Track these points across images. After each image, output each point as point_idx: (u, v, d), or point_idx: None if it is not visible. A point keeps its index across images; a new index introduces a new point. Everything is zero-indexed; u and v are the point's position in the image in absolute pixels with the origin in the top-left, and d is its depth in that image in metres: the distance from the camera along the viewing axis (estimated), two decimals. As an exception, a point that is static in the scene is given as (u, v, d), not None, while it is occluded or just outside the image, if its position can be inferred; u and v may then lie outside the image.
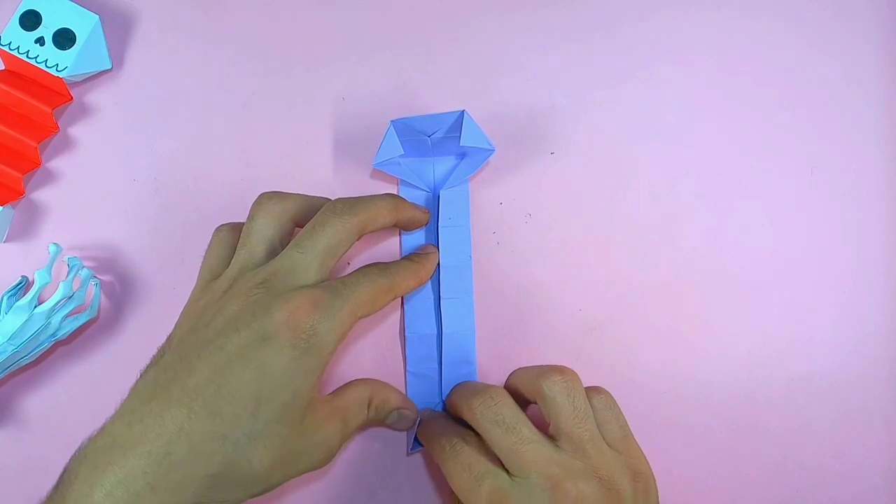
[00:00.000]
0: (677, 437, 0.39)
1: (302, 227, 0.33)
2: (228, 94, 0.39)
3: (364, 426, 0.35)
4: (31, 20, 0.37)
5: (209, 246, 0.34)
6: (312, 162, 0.39)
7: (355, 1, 0.40)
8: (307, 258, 0.31)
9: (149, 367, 0.30)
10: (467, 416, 0.33)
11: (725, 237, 0.40)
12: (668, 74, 0.40)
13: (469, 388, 0.35)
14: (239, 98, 0.39)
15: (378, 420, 0.35)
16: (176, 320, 0.33)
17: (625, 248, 0.39)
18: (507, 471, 0.32)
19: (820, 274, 0.40)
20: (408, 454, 0.38)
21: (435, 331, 0.38)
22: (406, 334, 0.38)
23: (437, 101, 0.39)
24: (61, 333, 0.36)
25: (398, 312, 0.39)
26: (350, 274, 0.32)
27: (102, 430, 0.29)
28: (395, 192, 0.39)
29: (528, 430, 0.32)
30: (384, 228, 0.34)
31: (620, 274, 0.39)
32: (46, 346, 0.36)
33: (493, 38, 0.40)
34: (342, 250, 0.32)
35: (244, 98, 0.39)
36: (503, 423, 0.32)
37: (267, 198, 0.33)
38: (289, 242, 0.32)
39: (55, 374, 0.38)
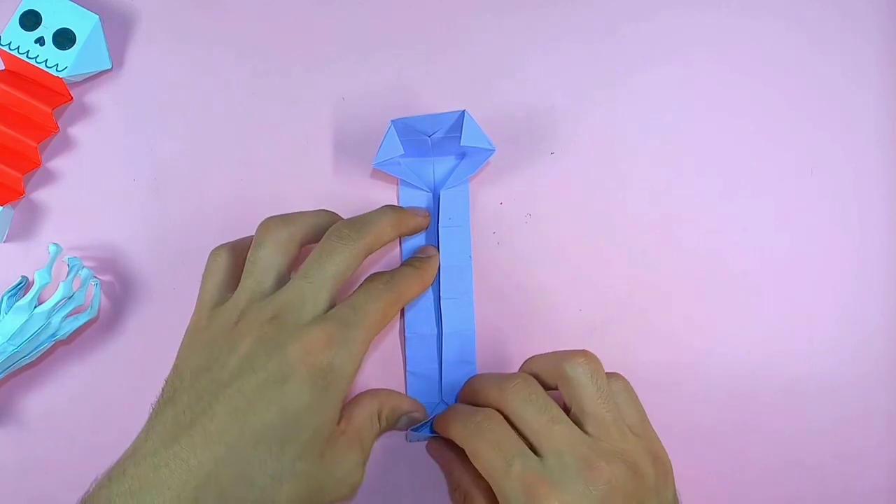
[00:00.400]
0: (677, 437, 0.39)
1: (309, 245, 0.33)
2: (228, 94, 0.39)
3: (377, 438, 0.35)
4: (31, 20, 0.37)
5: (207, 270, 0.34)
6: (312, 162, 0.39)
7: (355, 1, 0.40)
8: (315, 288, 0.31)
9: (163, 403, 0.30)
10: (496, 397, 0.33)
11: (725, 237, 0.40)
12: (667, 74, 0.40)
13: (494, 375, 0.35)
14: (239, 98, 0.39)
15: (389, 428, 0.35)
16: (176, 320, 0.33)
17: (625, 249, 0.39)
18: (534, 452, 0.31)
19: (820, 274, 0.40)
20: (408, 441, 0.38)
21: (435, 331, 0.38)
22: (406, 334, 0.38)
23: (437, 102, 0.39)
24: (61, 333, 0.36)
25: (399, 312, 0.39)
26: (355, 294, 0.32)
27: (124, 472, 0.28)
28: (395, 192, 0.39)
29: (558, 411, 0.32)
30: (389, 243, 0.34)
31: (620, 274, 0.39)
32: (46, 346, 0.36)
33: (493, 38, 0.40)
34: (350, 274, 0.32)
35: (244, 98, 0.39)
36: (536, 402, 0.32)
37: (273, 224, 0.33)
38: (296, 266, 0.32)
39: (55, 374, 0.38)
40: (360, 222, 0.33)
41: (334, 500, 0.31)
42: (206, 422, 0.28)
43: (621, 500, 0.30)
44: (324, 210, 0.34)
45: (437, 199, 0.38)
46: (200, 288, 0.34)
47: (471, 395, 0.36)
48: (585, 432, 0.32)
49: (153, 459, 0.28)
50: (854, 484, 0.40)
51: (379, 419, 0.34)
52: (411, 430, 0.37)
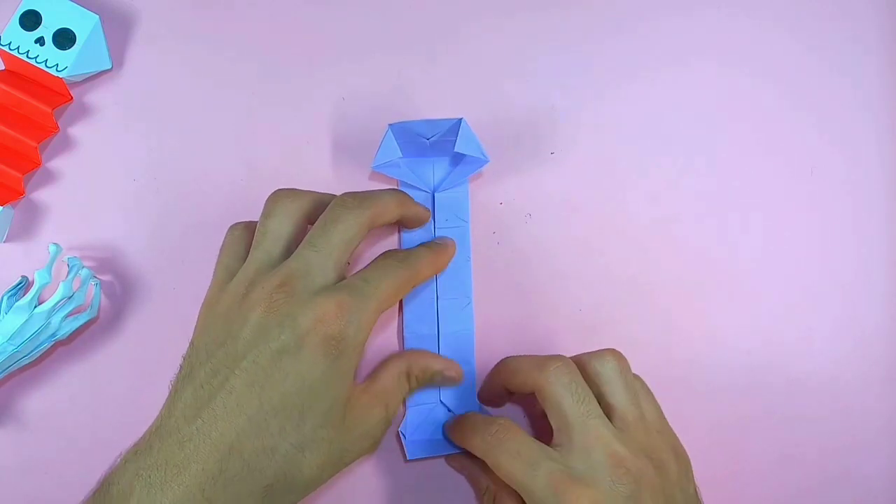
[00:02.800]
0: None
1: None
2: (228, 94, 0.39)
3: (409, 396, 0.35)
4: (31, 20, 0.37)
5: (223, 245, 0.34)
6: (312, 162, 0.39)
7: (355, 1, 0.40)
8: (322, 256, 0.31)
9: (181, 379, 0.30)
10: (535, 378, 0.33)
11: (725, 237, 0.40)
12: (667, 75, 0.40)
13: (532, 357, 0.35)
14: (239, 98, 0.39)
15: (422, 387, 0.35)
16: (176, 320, 0.33)
17: (625, 249, 0.40)
18: (554, 447, 0.31)
19: (820, 274, 0.40)
20: (406, 461, 0.38)
21: (434, 331, 0.38)
22: (405, 334, 0.38)
23: (437, 102, 0.39)
24: (61, 333, 0.36)
25: (397, 312, 0.39)
26: (369, 268, 0.32)
27: (150, 447, 0.28)
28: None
29: (594, 404, 0.32)
30: (391, 223, 0.34)
31: (620, 274, 0.39)
32: (46, 346, 0.36)
33: (493, 38, 0.40)
34: (355, 244, 0.32)
35: (244, 98, 0.39)
36: (576, 391, 0.32)
37: (282, 195, 0.33)
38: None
39: (55, 374, 0.38)
40: (364, 194, 0.33)
41: (356, 456, 0.32)
42: (225, 396, 0.29)
43: (648, 496, 0.30)
44: (331, 193, 0.34)
45: (436, 199, 0.38)
46: (216, 263, 0.34)
47: (508, 376, 0.35)
48: (617, 427, 0.32)
49: (177, 436, 0.28)
50: (854, 484, 0.40)
51: (409, 378, 0.34)
52: (408, 441, 0.36)
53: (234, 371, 0.29)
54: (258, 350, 0.29)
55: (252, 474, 0.28)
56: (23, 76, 0.37)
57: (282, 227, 0.32)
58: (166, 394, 0.31)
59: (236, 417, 0.28)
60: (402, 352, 0.36)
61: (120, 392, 0.37)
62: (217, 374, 0.29)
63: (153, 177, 0.39)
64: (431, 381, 0.35)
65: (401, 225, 0.37)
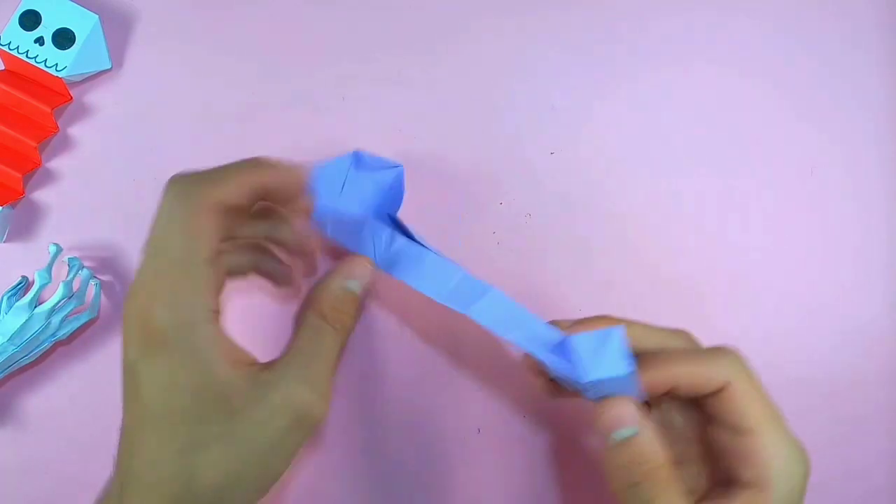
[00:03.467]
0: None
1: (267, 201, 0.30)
2: (228, 94, 0.39)
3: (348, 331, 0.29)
4: (30, 20, 0.37)
5: None
6: (312, 162, 0.39)
7: (355, 1, 0.40)
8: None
9: None
10: (718, 373, 0.30)
11: (725, 237, 0.40)
12: (667, 75, 0.40)
13: (676, 351, 0.30)
14: (239, 98, 0.39)
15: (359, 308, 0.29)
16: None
17: (625, 249, 0.39)
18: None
19: (820, 274, 0.40)
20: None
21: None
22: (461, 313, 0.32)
23: (436, 102, 0.39)
24: (61, 333, 0.36)
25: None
26: None
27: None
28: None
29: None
30: (248, 205, 0.29)
31: (620, 274, 0.39)
32: (46, 346, 0.36)
33: (493, 38, 0.40)
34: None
35: (244, 98, 0.39)
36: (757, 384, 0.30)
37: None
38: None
39: (55, 374, 0.38)
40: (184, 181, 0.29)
41: (288, 438, 0.26)
42: (130, 404, 0.29)
43: None
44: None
45: (390, 255, 0.32)
46: None
47: (657, 374, 0.29)
48: None
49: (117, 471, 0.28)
50: (855, 485, 0.40)
51: (323, 317, 0.28)
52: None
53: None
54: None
55: (149, 490, 0.26)
56: (23, 76, 0.37)
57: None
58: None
59: (128, 436, 0.28)
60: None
61: (120, 392, 0.37)
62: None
63: (153, 177, 0.39)
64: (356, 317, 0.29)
65: (271, 200, 0.30)
